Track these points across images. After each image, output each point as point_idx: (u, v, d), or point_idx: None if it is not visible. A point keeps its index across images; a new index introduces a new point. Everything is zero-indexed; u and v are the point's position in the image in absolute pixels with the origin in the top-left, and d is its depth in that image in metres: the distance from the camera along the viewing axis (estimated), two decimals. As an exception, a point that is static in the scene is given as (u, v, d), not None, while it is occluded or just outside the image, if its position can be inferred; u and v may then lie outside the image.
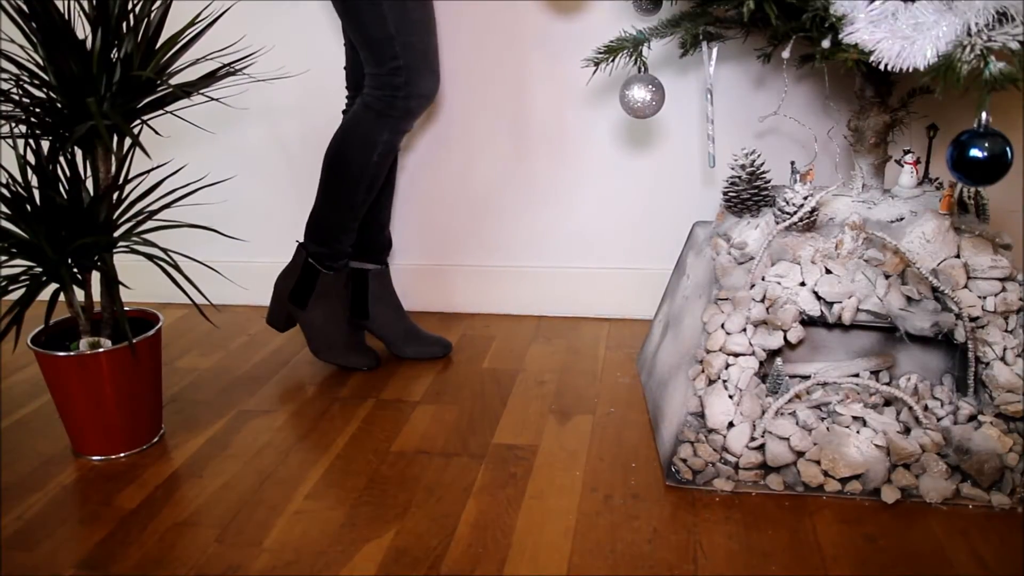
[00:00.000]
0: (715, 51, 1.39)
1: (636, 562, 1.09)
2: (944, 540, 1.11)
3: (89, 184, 1.37)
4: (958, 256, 1.28)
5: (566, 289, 1.94)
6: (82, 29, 1.35)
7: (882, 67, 1.08)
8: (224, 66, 1.39)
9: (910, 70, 1.06)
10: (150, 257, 1.35)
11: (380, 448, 1.40)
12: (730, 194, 1.47)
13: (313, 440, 1.43)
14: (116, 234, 1.38)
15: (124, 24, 1.31)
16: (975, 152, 1.01)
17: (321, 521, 1.20)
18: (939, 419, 1.25)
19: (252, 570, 1.10)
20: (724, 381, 1.25)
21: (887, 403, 1.29)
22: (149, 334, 1.39)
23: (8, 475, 1.36)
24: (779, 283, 1.29)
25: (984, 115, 1.01)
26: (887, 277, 1.27)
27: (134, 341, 1.35)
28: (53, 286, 1.35)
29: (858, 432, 1.21)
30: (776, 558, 1.09)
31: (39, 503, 1.27)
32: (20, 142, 1.36)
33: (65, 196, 1.33)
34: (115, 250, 1.38)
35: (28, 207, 1.30)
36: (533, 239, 1.93)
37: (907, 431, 1.23)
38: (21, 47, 1.32)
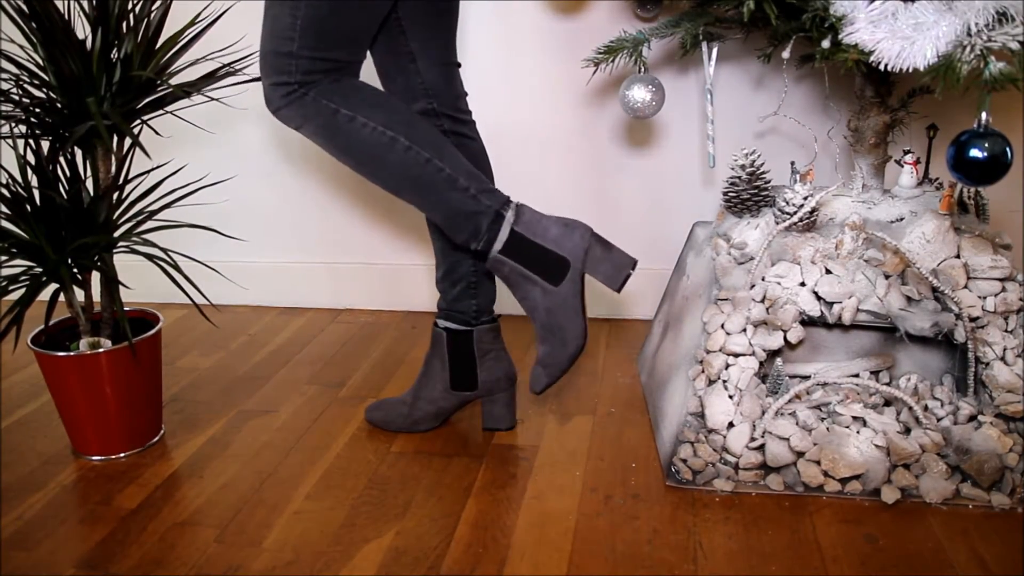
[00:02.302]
0: (715, 51, 1.40)
1: (636, 562, 1.09)
2: (944, 540, 1.11)
3: (89, 184, 1.37)
4: (958, 256, 1.28)
5: (566, 289, 1.94)
6: (82, 29, 1.35)
7: (882, 67, 1.08)
8: (224, 66, 1.39)
9: (910, 70, 1.06)
10: (150, 257, 1.35)
11: (380, 448, 1.40)
12: (730, 194, 1.47)
13: (313, 440, 1.43)
14: (116, 234, 1.38)
15: (124, 24, 1.31)
16: (975, 152, 1.01)
17: (321, 521, 1.20)
18: (939, 419, 1.25)
19: (252, 570, 1.10)
20: (724, 381, 1.25)
21: (887, 403, 1.29)
22: (149, 334, 1.39)
23: (8, 475, 1.36)
24: (779, 283, 1.29)
25: (984, 115, 1.01)
26: (887, 277, 1.27)
27: (134, 341, 1.35)
28: (53, 286, 1.35)
29: (858, 432, 1.21)
30: (776, 558, 1.09)
31: (39, 503, 1.27)
32: (20, 142, 1.36)
33: (65, 196, 1.33)
34: (115, 250, 1.38)
35: (28, 207, 1.30)
36: (533, 239, 1.93)
37: (907, 431, 1.23)
38: (21, 47, 1.32)
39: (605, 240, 1.24)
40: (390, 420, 1.45)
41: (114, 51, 1.31)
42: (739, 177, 1.45)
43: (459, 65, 1.35)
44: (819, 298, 1.27)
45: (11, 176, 1.30)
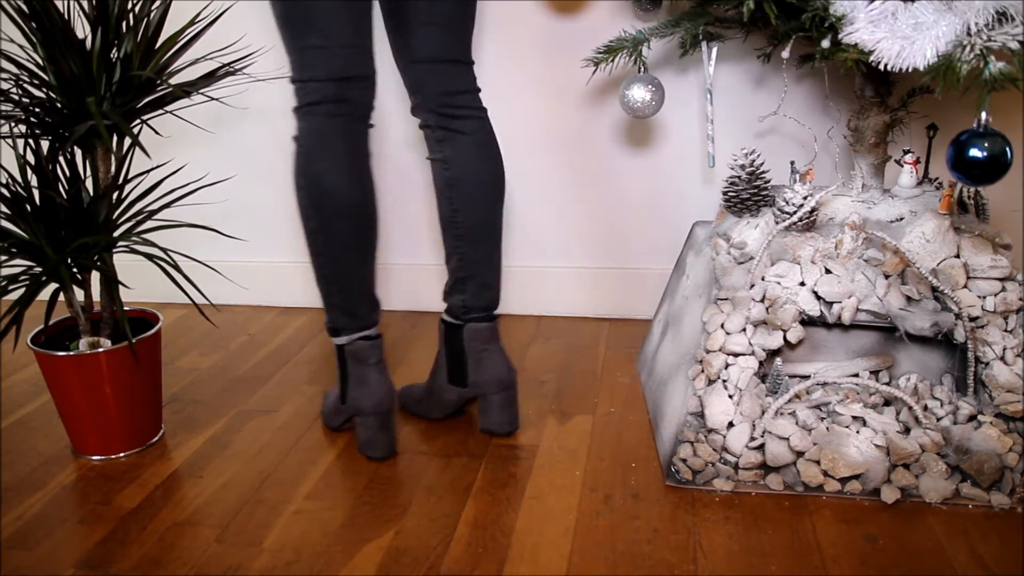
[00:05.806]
0: (715, 51, 1.40)
1: (636, 562, 1.09)
2: (944, 540, 1.11)
3: (89, 184, 1.37)
4: (958, 256, 1.28)
5: (566, 289, 1.94)
6: (82, 29, 1.35)
7: (882, 67, 1.08)
8: (224, 66, 1.39)
9: (910, 70, 1.06)
10: (150, 257, 1.35)
11: (380, 448, 1.40)
12: (730, 194, 1.47)
13: (313, 440, 1.43)
14: (116, 234, 1.38)
15: (124, 24, 1.31)
16: (975, 152, 1.01)
17: (321, 521, 1.20)
18: (939, 419, 1.25)
19: (252, 570, 1.10)
20: (724, 381, 1.25)
21: (887, 403, 1.29)
22: (149, 334, 1.39)
23: (8, 475, 1.36)
24: (779, 283, 1.29)
25: (984, 115, 1.01)
26: (887, 277, 1.27)
27: (134, 341, 1.35)
28: (53, 286, 1.35)
29: (858, 432, 1.21)
30: (776, 558, 1.09)
31: (39, 503, 1.27)
32: (20, 142, 1.36)
33: (65, 196, 1.33)
34: (115, 250, 1.38)
35: (28, 207, 1.30)
36: (533, 239, 1.93)
37: (907, 431, 1.23)
38: (21, 47, 1.32)
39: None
40: (406, 403, 1.52)
41: (114, 51, 1.31)
42: (739, 177, 1.45)
43: (465, 63, 1.31)
44: (819, 298, 1.27)
45: (11, 176, 1.30)
